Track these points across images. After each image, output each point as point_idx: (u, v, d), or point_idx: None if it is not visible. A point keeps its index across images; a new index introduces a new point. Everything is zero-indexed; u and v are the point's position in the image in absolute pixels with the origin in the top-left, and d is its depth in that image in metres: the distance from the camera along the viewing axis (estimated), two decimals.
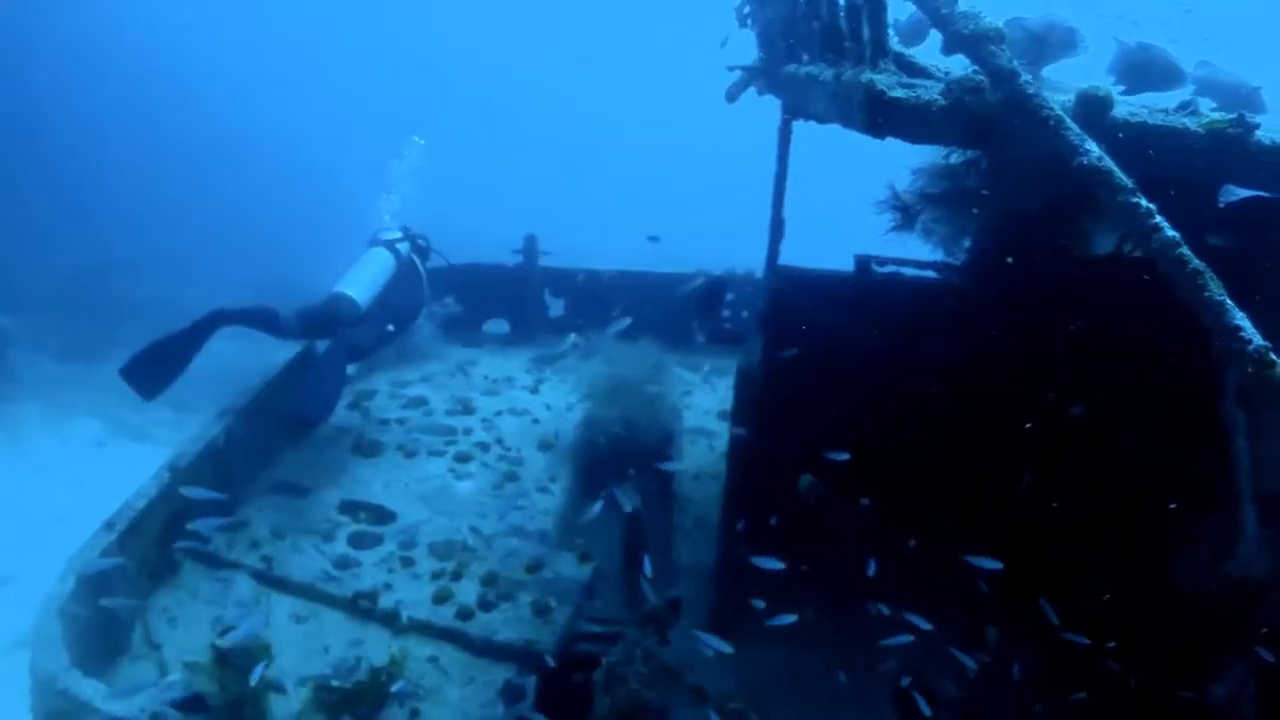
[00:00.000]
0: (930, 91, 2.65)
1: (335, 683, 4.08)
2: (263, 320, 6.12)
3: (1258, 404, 2.91)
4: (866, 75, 2.66)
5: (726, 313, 9.31)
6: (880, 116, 2.58)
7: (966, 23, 2.66)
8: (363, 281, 6.65)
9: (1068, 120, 2.46)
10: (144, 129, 21.48)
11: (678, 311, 8.79)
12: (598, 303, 9.39)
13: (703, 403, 7.94)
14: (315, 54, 31.31)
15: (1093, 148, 2.40)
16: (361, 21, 33.14)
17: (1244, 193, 3.97)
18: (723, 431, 7.46)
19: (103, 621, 4.30)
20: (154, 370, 5.75)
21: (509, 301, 9.22)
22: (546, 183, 29.83)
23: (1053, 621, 3.44)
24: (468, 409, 7.45)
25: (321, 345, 6.68)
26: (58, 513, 8.13)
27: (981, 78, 2.60)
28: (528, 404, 7.69)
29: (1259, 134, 2.69)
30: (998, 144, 2.63)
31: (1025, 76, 2.53)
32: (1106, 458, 3.77)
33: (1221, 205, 3.87)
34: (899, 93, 2.60)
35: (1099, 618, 3.47)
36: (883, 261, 5.58)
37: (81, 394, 10.70)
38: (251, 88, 28.33)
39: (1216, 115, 2.71)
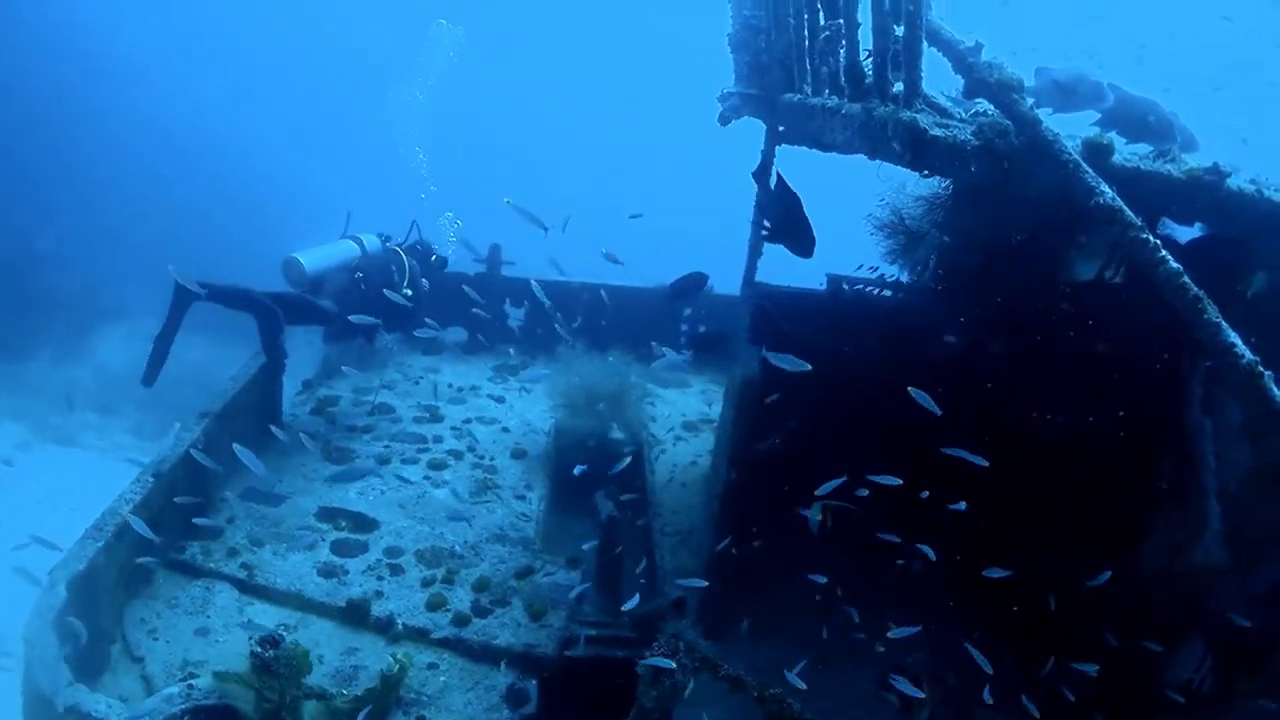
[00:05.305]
0: (963, 132, 2.96)
1: (344, 692, 4.06)
2: (241, 299, 6.26)
3: (1242, 409, 3.35)
4: (908, 114, 2.95)
5: (685, 327, 9.58)
6: (921, 152, 2.87)
7: (991, 71, 2.99)
8: (315, 255, 7.20)
9: (1084, 164, 2.81)
10: (75, 119, 20.06)
11: (657, 310, 9.11)
12: (560, 314, 9.48)
13: (667, 413, 8.17)
14: (267, 54, 30.14)
15: (1106, 189, 2.75)
16: (317, 23, 32.16)
17: (1176, 226, 4.49)
18: (689, 440, 7.71)
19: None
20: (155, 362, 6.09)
21: (469, 310, 9.20)
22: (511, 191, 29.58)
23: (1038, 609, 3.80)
24: (435, 417, 7.44)
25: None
26: None
27: (1008, 122, 2.93)
28: (495, 413, 7.73)
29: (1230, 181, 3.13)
30: (1018, 181, 2.97)
31: (1046, 124, 2.87)
32: (1075, 459, 4.18)
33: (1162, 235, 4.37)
34: (937, 132, 2.90)
35: (1069, 604, 3.85)
36: (853, 282, 5.96)
37: (2, 396, 9.90)
38: (196, 84, 26.99)
39: (1194, 164, 3.13)
